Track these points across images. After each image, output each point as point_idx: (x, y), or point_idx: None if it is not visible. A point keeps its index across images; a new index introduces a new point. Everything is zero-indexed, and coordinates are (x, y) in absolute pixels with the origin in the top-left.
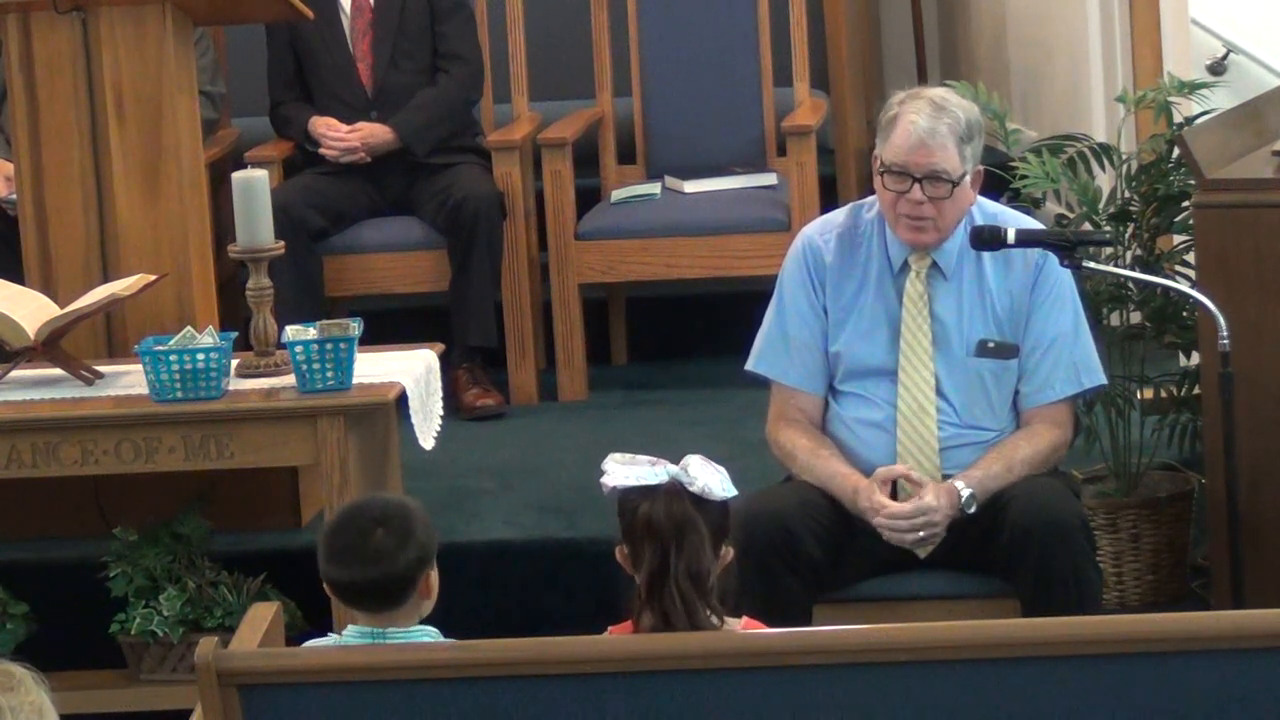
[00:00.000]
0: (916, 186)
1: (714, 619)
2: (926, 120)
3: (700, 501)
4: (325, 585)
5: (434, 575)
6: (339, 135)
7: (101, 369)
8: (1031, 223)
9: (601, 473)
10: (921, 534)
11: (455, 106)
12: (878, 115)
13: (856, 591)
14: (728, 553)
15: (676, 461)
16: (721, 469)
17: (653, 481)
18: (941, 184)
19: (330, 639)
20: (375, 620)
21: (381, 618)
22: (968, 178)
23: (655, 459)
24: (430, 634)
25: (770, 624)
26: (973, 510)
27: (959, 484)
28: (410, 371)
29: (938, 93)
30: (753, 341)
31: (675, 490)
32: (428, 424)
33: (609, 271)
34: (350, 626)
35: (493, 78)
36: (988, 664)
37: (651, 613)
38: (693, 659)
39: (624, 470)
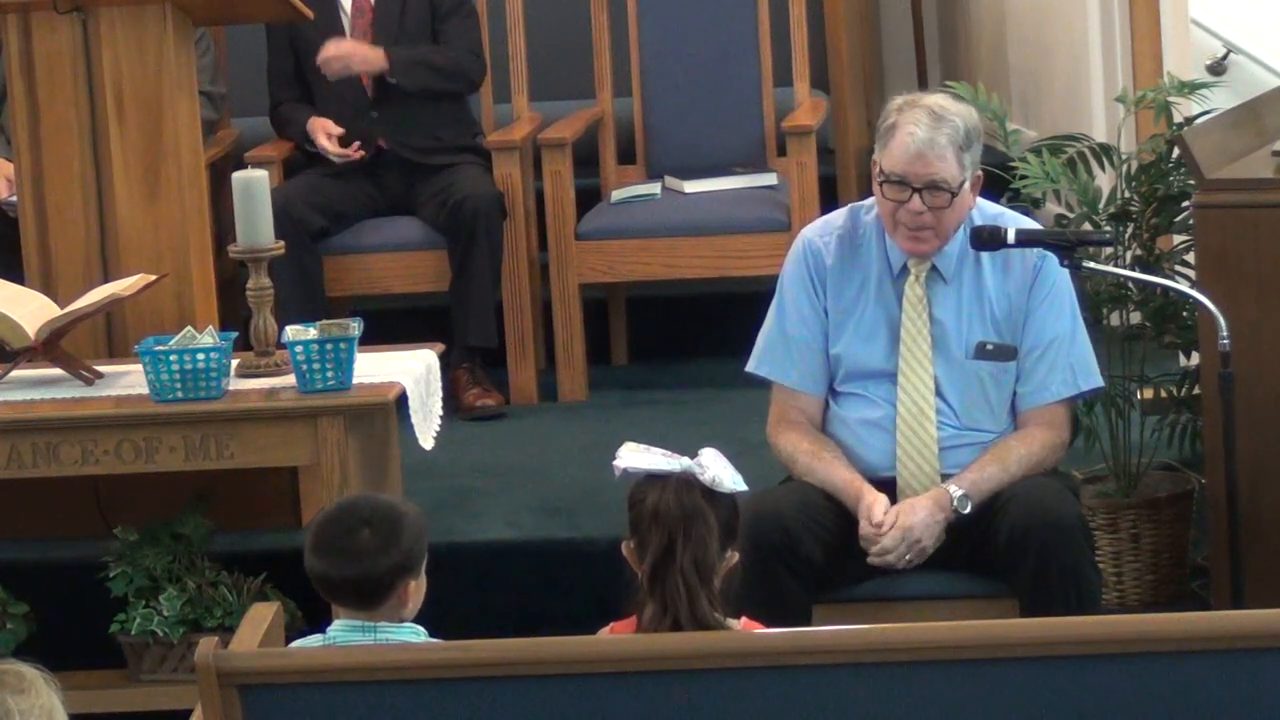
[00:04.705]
0: (916, 196)
1: (715, 613)
2: (925, 130)
3: (712, 496)
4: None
5: (416, 585)
6: (336, 150)
7: (101, 369)
8: (1031, 223)
9: (615, 458)
10: (910, 557)
11: (452, 68)
12: (878, 116)
13: (856, 591)
14: (733, 556)
15: None
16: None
17: (665, 469)
18: (941, 193)
19: (318, 637)
20: (358, 616)
21: (362, 614)
22: (966, 184)
23: (670, 453)
24: (416, 633)
25: (770, 624)
26: (967, 510)
27: (950, 487)
28: (410, 371)
29: (936, 100)
30: (753, 341)
31: (687, 480)
32: (428, 424)
33: (609, 271)
34: (337, 621)
35: (493, 78)
36: (987, 664)
37: (653, 602)
38: (693, 659)
39: (638, 457)
